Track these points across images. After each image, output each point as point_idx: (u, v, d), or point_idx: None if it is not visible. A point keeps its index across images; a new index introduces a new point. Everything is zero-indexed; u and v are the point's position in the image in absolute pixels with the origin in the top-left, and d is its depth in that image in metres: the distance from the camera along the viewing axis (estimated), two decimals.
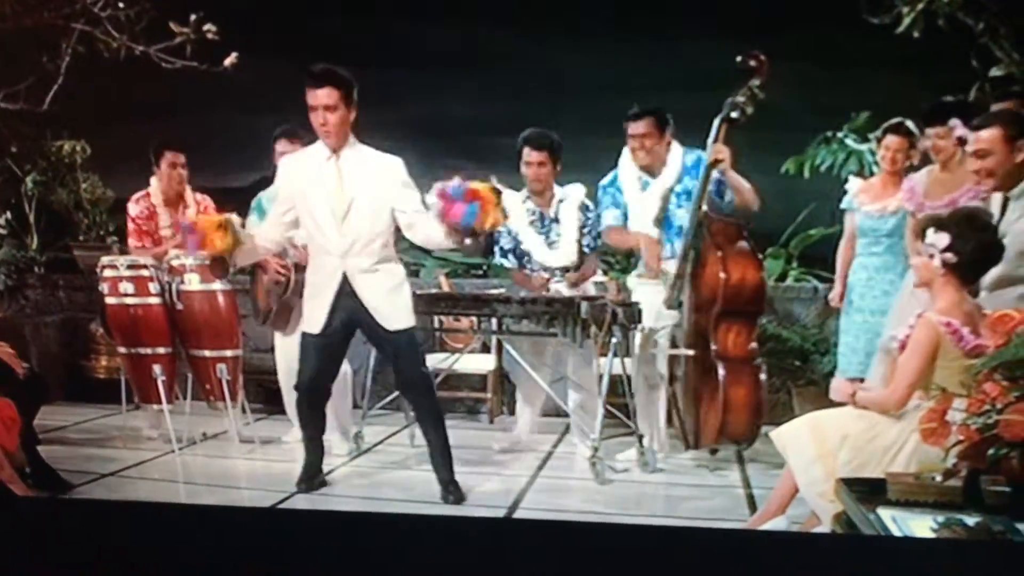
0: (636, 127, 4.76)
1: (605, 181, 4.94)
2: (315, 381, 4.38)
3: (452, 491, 4.31)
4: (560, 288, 4.97)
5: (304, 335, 4.35)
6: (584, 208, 5.05)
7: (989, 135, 3.52)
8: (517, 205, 5.00)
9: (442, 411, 4.48)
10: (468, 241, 4.14)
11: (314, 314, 4.28)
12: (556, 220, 5.05)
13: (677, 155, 4.80)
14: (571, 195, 5.06)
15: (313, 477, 4.48)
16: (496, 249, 5.17)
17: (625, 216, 4.87)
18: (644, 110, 4.77)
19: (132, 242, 5.39)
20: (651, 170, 4.80)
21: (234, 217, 4.28)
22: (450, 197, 3.98)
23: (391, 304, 4.24)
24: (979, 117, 3.70)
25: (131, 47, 5.74)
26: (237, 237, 4.20)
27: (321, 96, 4.09)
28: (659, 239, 4.77)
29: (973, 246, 3.24)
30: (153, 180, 5.34)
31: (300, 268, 4.79)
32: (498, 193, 4.03)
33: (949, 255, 3.25)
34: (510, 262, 5.13)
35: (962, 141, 3.81)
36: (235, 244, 4.19)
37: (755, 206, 4.73)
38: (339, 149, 4.18)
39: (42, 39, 5.80)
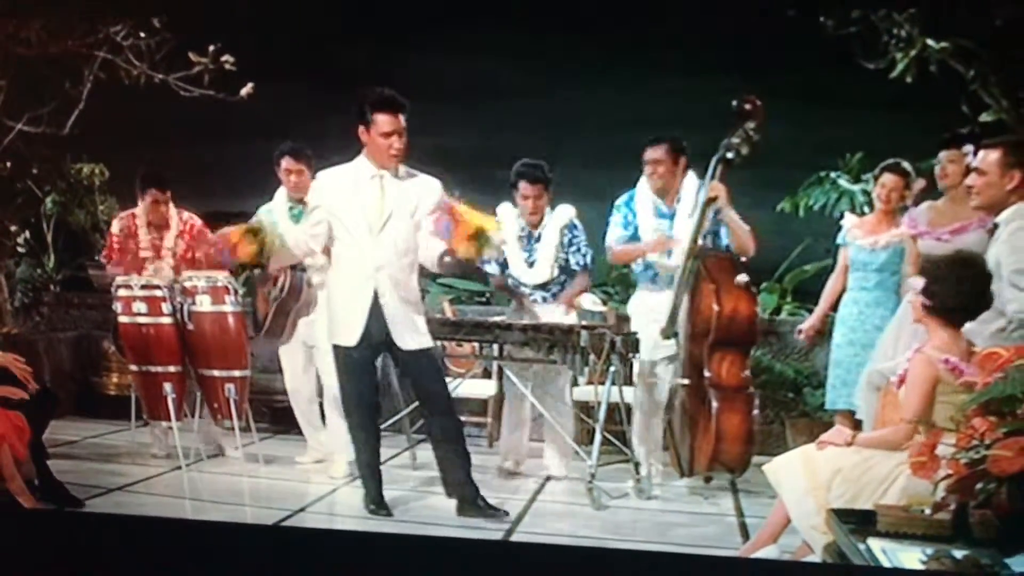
0: (651, 152, 4.88)
1: (620, 200, 5.04)
2: (364, 396, 4.42)
3: (481, 506, 4.38)
4: (542, 309, 5.13)
5: (339, 349, 4.39)
6: (570, 227, 5.18)
7: (990, 155, 3.63)
8: (511, 219, 5.15)
9: (461, 429, 4.55)
10: (447, 259, 4.27)
11: (348, 326, 4.32)
12: (539, 239, 5.19)
13: (691, 186, 4.88)
14: (557, 216, 5.20)
15: (381, 498, 4.46)
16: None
17: (635, 238, 4.97)
18: (660, 136, 4.89)
19: (103, 256, 5.61)
20: (665, 196, 4.90)
21: (260, 223, 4.36)
22: (442, 209, 4.20)
23: (411, 324, 4.33)
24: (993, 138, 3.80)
25: (151, 75, 5.89)
26: (264, 243, 4.31)
27: (395, 123, 4.22)
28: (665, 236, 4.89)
29: (949, 295, 3.30)
30: (140, 204, 5.49)
31: (293, 267, 4.94)
32: (479, 231, 4.19)
33: (924, 299, 3.32)
34: (492, 268, 5.26)
35: (971, 170, 3.85)
36: (261, 250, 4.30)
37: (751, 250, 4.83)
38: (391, 169, 4.30)
39: (65, 66, 5.94)
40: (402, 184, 4.32)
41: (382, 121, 4.21)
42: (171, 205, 5.50)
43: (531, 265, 5.20)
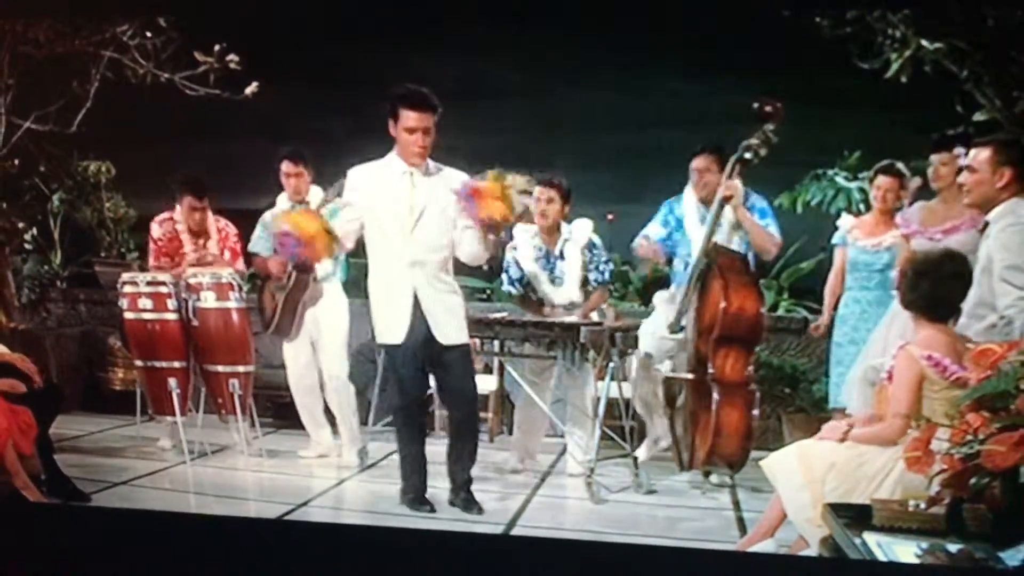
0: (697, 162, 4.97)
1: (669, 200, 5.13)
2: (410, 393, 4.41)
3: (464, 497, 4.44)
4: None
5: (389, 348, 4.40)
6: (590, 246, 5.20)
7: (981, 153, 3.69)
8: (526, 240, 5.19)
9: (478, 429, 4.60)
10: (490, 236, 4.28)
11: (393, 324, 4.32)
12: (561, 257, 5.19)
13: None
14: (577, 233, 5.21)
15: (423, 493, 4.46)
16: (504, 276, 5.32)
17: (672, 238, 5.07)
18: (705, 146, 4.98)
19: (152, 262, 5.55)
20: (708, 203, 4.93)
21: (324, 215, 4.32)
22: (461, 196, 4.21)
23: (449, 319, 4.34)
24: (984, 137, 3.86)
25: (157, 74, 5.97)
26: (333, 236, 4.28)
27: (421, 119, 4.22)
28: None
29: (920, 293, 3.36)
30: (178, 207, 5.47)
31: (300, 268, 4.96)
32: (501, 185, 4.16)
33: (904, 293, 3.41)
34: (516, 290, 5.29)
35: (963, 171, 3.90)
36: (332, 244, 4.28)
37: (769, 250, 4.94)
38: (418, 166, 4.33)
39: (73, 65, 6.03)
40: (432, 180, 4.33)
41: (405, 116, 4.23)
42: (208, 213, 5.47)
43: (555, 283, 5.20)
